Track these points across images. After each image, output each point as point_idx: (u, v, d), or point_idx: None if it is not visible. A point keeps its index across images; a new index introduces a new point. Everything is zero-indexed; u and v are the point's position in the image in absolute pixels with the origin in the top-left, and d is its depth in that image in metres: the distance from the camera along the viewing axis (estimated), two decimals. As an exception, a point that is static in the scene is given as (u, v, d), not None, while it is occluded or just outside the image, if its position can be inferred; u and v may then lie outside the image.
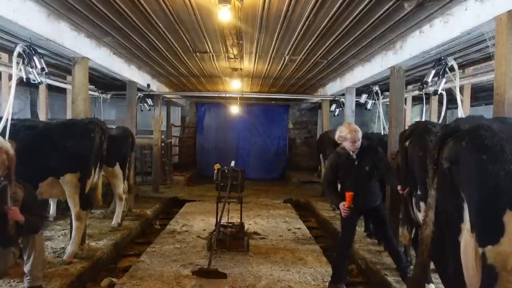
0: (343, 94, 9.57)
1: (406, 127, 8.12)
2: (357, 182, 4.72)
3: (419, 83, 7.42)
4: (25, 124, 5.38)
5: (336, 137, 4.79)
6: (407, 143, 4.40)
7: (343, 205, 4.55)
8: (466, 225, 2.69)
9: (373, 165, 4.76)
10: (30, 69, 5.39)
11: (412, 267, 5.51)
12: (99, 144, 5.46)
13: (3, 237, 4.09)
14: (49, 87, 8.31)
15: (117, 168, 7.38)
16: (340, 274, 4.87)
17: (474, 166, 2.58)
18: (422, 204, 3.92)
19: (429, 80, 5.98)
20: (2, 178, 3.95)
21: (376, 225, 5.52)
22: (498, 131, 2.57)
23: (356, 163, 4.73)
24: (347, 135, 4.63)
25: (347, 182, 4.78)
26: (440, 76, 5.82)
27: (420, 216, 4.01)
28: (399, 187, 4.58)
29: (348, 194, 4.53)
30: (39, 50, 5.46)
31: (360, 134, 4.67)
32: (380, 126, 8.98)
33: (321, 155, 10.34)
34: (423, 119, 7.14)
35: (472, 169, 2.59)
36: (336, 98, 10.73)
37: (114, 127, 8.59)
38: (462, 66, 6.79)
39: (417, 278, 3.33)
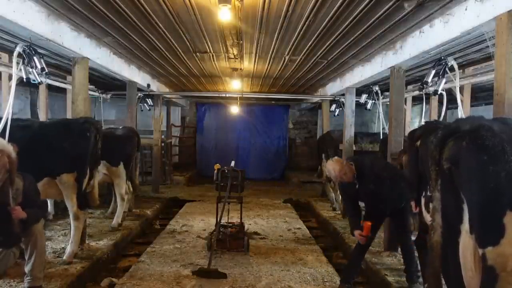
0: (343, 94, 9.57)
1: (407, 127, 8.18)
2: (368, 204, 4.83)
3: (419, 83, 7.42)
4: (19, 123, 5.33)
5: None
6: (418, 143, 4.39)
7: (359, 234, 4.70)
8: (465, 226, 2.68)
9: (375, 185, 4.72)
10: (30, 69, 5.39)
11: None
12: (94, 143, 5.45)
13: (9, 237, 4.12)
14: (49, 87, 8.30)
15: (121, 167, 7.37)
16: (348, 277, 4.96)
17: (474, 167, 2.56)
18: (432, 206, 3.91)
19: (429, 80, 5.97)
20: None
21: (396, 226, 5.28)
22: (499, 131, 2.56)
23: (357, 186, 4.77)
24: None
25: (366, 206, 4.90)
26: (440, 76, 5.82)
27: (429, 217, 4.00)
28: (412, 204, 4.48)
29: (366, 225, 4.60)
30: (39, 50, 5.45)
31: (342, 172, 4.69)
32: (380, 126, 8.98)
33: (323, 155, 10.33)
34: (423, 119, 7.15)
35: (472, 170, 2.58)
36: (336, 98, 10.72)
37: (120, 127, 8.58)
38: (462, 66, 6.78)
39: None
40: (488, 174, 2.47)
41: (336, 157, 5.16)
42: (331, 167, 4.79)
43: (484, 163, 2.49)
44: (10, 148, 4.04)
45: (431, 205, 3.92)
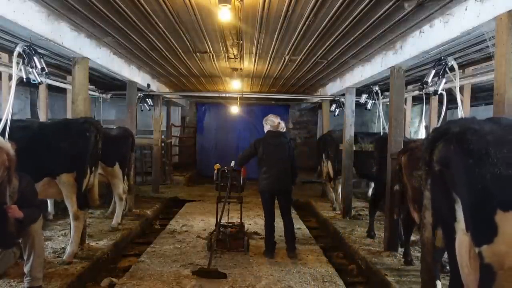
0: (343, 94, 9.57)
1: (407, 127, 8.17)
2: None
3: (419, 83, 7.41)
4: (19, 124, 5.32)
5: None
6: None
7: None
8: (460, 225, 2.74)
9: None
10: (30, 69, 5.38)
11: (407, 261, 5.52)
12: (94, 143, 5.45)
13: (5, 236, 4.11)
14: (49, 87, 8.30)
15: (117, 168, 7.38)
16: (271, 244, 6.16)
17: (462, 170, 2.65)
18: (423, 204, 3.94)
19: (429, 80, 5.97)
20: None
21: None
22: (485, 134, 2.62)
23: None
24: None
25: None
26: (440, 76, 5.81)
27: None
28: None
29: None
30: (39, 50, 5.45)
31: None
32: (380, 126, 8.98)
33: (323, 155, 10.32)
34: (423, 119, 7.15)
35: (460, 172, 2.67)
36: (336, 98, 10.72)
37: (114, 127, 8.59)
38: (462, 66, 6.78)
39: (425, 286, 3.27)
40: (475, 176, 2.55)
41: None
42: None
43: (470, 166, 2.57)
44: (9, 146, 4.04)
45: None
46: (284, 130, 6.35)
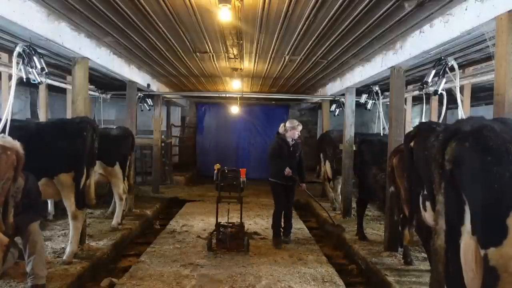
0: (343, 94, 9.57)
1: (407, 128, 8.16)
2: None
3: (419, 83, 7.41)
4: (16, 124, 5.27)
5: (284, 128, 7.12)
6: (412, 144, 4.40)
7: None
8: (467, 228, 2.67)
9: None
10: (30, 69, 5.37)
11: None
12: (91, 142, 5.45)
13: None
14: (49, 87, 8.30)
15: (117, 167, 7.38)
16: (278, 231, 6.92)
17: (478, 168, 2.55)
18: (428, 204, 3.92)
19: (429, 80, 5.97)
20: None
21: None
22: (501, 131, 2.54)
23: (291, 149, 7.14)
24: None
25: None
26: (440, 76, 5.81)
27: (427, 216, 4.00)
28: None
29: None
30: (39, 50, 5.45)
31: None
32: (380, 126, 8.97)
33: (321, 155, 10.33)
34: (423, 119, 7.15)
35: (476, 171, 2.56)
36: (336, 98, 10.72)
37: (114, 127, 8.59)
38: (462, 66, 6.78)
39: None
40: (492, 175, 2.46)
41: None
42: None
43: (488, 164, 2.48)
44: (18, 145, 4.03)
45: (426, 202, 3.95)
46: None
